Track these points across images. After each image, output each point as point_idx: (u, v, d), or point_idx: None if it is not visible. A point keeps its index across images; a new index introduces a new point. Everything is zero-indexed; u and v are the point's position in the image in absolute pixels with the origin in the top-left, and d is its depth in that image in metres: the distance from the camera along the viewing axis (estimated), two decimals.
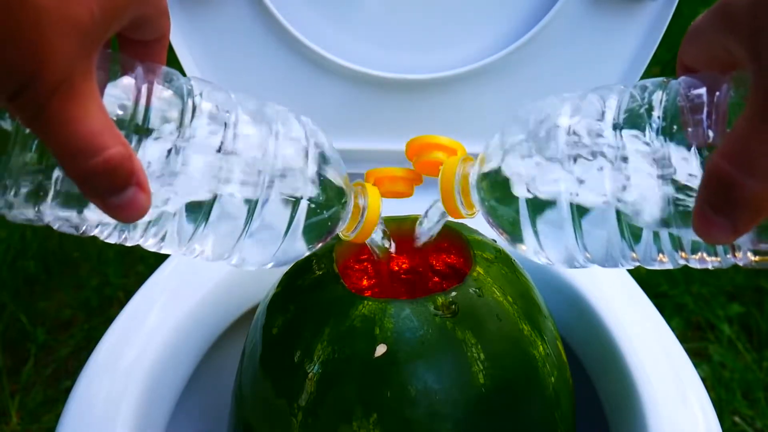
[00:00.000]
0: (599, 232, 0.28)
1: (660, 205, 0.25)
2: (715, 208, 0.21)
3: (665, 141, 0.25)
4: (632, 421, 0.41)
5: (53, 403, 0.91)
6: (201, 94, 0.28)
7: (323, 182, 0.32)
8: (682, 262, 0.26)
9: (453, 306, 0.35)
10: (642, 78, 0.48)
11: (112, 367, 0.43)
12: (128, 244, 0.29)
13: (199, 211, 0.28)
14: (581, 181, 0.27)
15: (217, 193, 0.28)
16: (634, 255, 0.28)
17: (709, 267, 0.26)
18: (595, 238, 0.28)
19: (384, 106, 0.60)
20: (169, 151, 0.26)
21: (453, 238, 0.43)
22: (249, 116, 0.29)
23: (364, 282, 0.45)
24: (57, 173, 0.24)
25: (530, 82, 0.59)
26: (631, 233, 0.27)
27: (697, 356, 0.94)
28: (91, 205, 0.25)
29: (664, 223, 0.25)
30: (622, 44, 0.58)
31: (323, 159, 0.32)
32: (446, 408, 0.33)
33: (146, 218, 0.26)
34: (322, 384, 0.34)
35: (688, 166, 0.24)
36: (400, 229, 0.45)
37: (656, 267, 0.28)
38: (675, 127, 0.24)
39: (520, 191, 0.29)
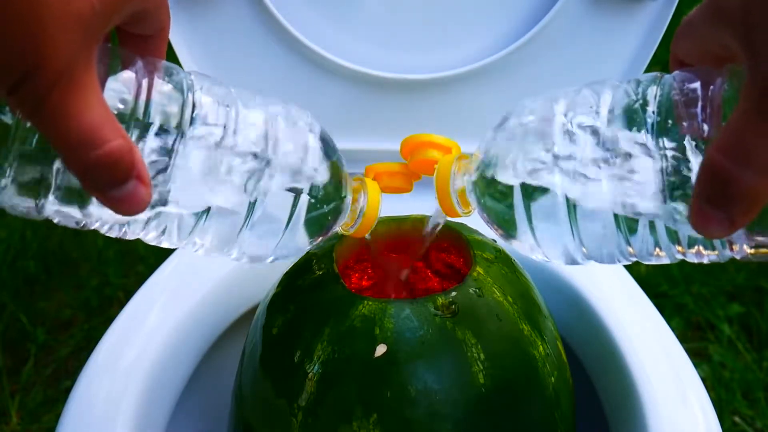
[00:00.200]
0: (596, 227, 0.28)
1: (656, 200, 0.25)
2: (711, 202, 0.21)
3: (660, 136, 0.25)
4: (632, 421, 0.41)
5: (53, 403, 0.91)
6: (201, 89, 0.28)
7: (323, 177, 0.32)
8: (680, 257, 0.26)
9: (453, 306, 0.35)
10: None
11: (112, 367, 0.43)
12: (128, 237, 0.29)
13: None
14: (577, 177, 0.27)
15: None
16: (630, 250, 0.28)
17: (706, 261, 0.26)
18: (592, 233, 0.28)
19: (384, 106, 0.60)
20: (170, 145, 0.26)
21: (453, 238, 0.43)
22: (249, 110, 0.30)
23: (364, 282, 0.45)
24: (57, 166, 0.24)
25: (530, 82, 0.59)
26: (628, 227, 0.27)
27: (697, 356, 0.94)
28: (92, 199, 0.25)
29: (661, 216, 0.25)
30: (622, 44, 0.58)
31: (323, 153, 0.32)
32: (446, 408, 0.33)
33: (146, 212, 0.26)
34: (322, 384, 0.34)
35: (684, 161, 0.24)
36: (400, 229, 0.45)
37: (654, 262, 0.28)
38: (670, 121, 0.24)
39: (515, 188, 0.29)
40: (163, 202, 0.27)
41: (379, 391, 0.33)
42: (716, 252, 0.25)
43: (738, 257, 0.24)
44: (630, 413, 0.41)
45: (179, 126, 0.26)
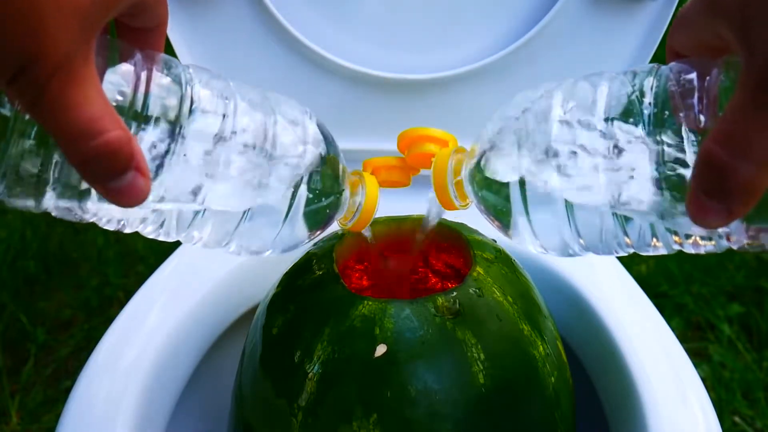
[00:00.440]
0: (593, 217, 0.28)
1: (654, 191, 0.25)
2: (709, 193, 0.21)
3: (657, 127, 0.25)
4: (632, 421, 0.41)
5: (53, 403, 0.91)
6: (200, 82, 0.28)
7: (322, 170, 0.32)
8: (677, 247, 0.26)
9: (453, 306, 0.35)
10: None
11: (112, 367, 0.43)
12: (126, 230, 0.29)
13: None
14: (573, 169, 0.27)
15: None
16: (628, 240, 0.28)
17: (702, 252, 0.26)
18: (589, 224, 0.28)
19: (384, 106, 0.60)
20: (169, 137, 0.26)
21: (453, 238, 0.43)
22: (248, 104, 0.30)
23: (364, 282, 0.45)
24: (56, 159, 0.24)
25: (530, 82, 0.59)
26: (625, 217, 0.27)
27: (697, 356, 0.94)
28: (91, 192, 0.25)
29: (659, 208, 0.25)
30: (622, 44, 0.58)
31: (322, 147, 0.32)
32: (446, 408, 0.33)
33: (144, 205, 0.26)
34: (322, 384, 0.34)
35: (681, 152, 0.24)
36: (400, 229, 0.45)
37: (651, 253, 0.28)
38: (666, 112, 0.25)
39: (512, 180, 0.29)
40: (162, 195, 0.27)
41: (379, 391, 0.33)
42: (713, 242, 0.25)
43: (735, 247, 0.24)
44: (630, 413, 0.41)
45: (178, 119, 0.26)
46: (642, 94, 0.25)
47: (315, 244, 0.43)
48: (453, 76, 0.58)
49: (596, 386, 0.47)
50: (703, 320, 1.00)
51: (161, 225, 0.29)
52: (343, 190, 0.34)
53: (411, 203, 0.45)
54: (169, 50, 0.32)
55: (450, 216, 0.41)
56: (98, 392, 0.42)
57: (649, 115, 0.25)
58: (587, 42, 0.57)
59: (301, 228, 0.33)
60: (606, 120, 0.26)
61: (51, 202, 0.25)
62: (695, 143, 0.24)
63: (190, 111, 0.27)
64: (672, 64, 0.26)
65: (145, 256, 1.14)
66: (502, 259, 0.41)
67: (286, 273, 0.42)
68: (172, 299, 0.48)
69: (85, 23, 0.21)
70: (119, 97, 0.25)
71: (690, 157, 0.24)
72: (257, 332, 0.40)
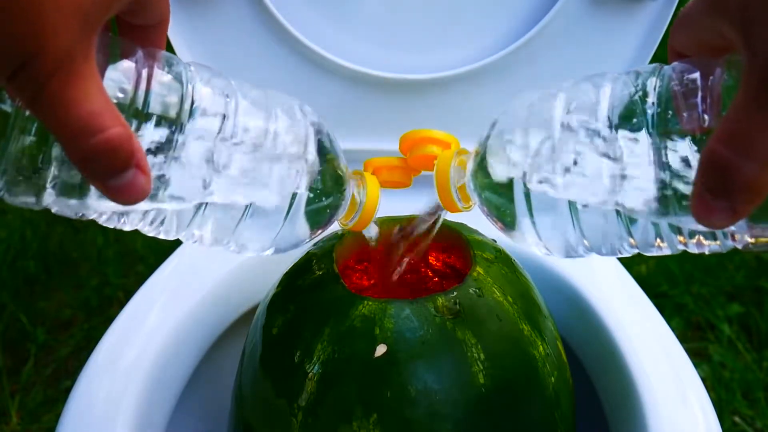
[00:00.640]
0: (596, 218, 0.28)
1: (658, 191, 0.25)
2: (713, 192, 0.21)
3: (660, 127, 0.25)
4: (632, 421, 0.41)
5: (53, 403, 0.91)
6: (201, 80, 0.28)
7: (323, 169, 0.32)
8: (681, 247, 0.26)
9: (453, 306, 0.35)
10: None
11: (112, 367, 0.43)
12: (126, 228, 0.29)
13: None
14: (577, 170, 0.27)
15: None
16: (632, 241, 0.27)
17: (707, 251, 0.26)
18: (593, 225, 0.28)
19: (384, 106, 0.60)
20: (169, 135, 0.26)
21: (453, 238, 0.43)
22: (249, 102, 0.30)
23: (365, 282, 0.45)
24: (57, 156, 0.24)
25: (530, 82, 0.59)
26: (629, 218, 0.27)
27: (697, 356, 0.94)
28: (91, 189, 0.25)
29: (663, 209, 0.25)
30: (622, 44, 0.58)
31: (323, 146, 0.32)
32: (446, 408, 0.33)
33: (145, 203, 0.26)
34: (322, 384, 0.34)
35: (685, 152, 0.24)
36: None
37: (654, 253, 0.28)
38: (670, 112, 0.24)
39: (516, 181, 0.29)
40: (162, 193, 0.27)
41: (379, 391, 0.33)
42: (718, 242, 0.25)
43: (739, 247, 0.24)
44: (630, 413, 0.41)
45: (179, 117, 0.26)
46: (645, 94, 0.25)
47: (315, 244, 0.43)
48: (453, 76, 0.58)
49: (596, 386, 0.47)
50: (703, 320, 1.00)
51: (161, 223, 0.29)
52: (344, 189, 0.34)
53: (411, 203, 0.45)
54: (169, 50, 0.32)
55: (450, 216, 0.41)
56: (98, 392, 0.42)
57: (653, 115, 0.25)
58: (587, 42, 0.57)
59: (301, 227, 0.33)
60: (609, 120, 0.26)
61: (51, 198, 0.25)
62: (699, 143, 0.24)
63: (191, 109, 0.27)
64: (675, 63, 0.26)
65: (144, 255, 1.14)
66: (502, 259, 0.41)
67: (286, 273, 0.42)
68: (172, 299, 0.48)
69: (86, 20, 0.21)
70: (120, 95, 0.25)
71: (694, 156, 0.24)
72: (257, 332, 0.40)
